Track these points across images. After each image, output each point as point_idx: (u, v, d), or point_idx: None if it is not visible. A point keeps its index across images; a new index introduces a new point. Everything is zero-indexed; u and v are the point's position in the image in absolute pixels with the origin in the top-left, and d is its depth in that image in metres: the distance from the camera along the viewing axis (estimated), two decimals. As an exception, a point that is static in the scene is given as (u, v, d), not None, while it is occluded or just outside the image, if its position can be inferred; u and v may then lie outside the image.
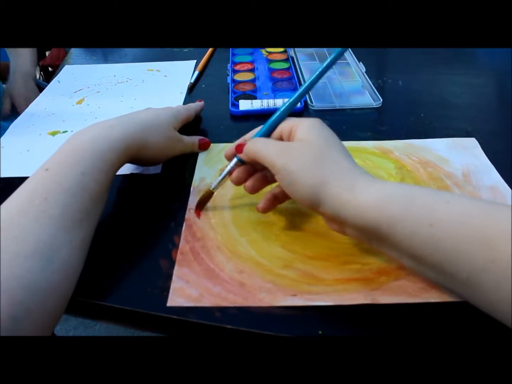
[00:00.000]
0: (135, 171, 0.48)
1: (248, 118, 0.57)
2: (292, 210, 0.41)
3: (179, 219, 0.41)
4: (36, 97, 0.63)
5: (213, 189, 0.41)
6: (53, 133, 0.56)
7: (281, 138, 0.38)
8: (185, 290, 0.34)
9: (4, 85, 0.96)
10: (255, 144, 0.37)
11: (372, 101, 0.59)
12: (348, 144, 0.50)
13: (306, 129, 0.36)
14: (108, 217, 0.41)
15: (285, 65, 0.70)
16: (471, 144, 0.50)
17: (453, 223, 0.28)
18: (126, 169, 0.47)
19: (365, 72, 0.66)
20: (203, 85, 0.67)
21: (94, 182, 0.35)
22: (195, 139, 0.49)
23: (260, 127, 0.39)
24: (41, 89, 0.84)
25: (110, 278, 0.36)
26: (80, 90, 0.67)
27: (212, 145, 0.51)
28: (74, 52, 0.83)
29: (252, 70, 0.69)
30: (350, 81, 0.65)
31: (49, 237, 0.31)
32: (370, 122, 0.56)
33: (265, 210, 0.39)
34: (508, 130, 0.52)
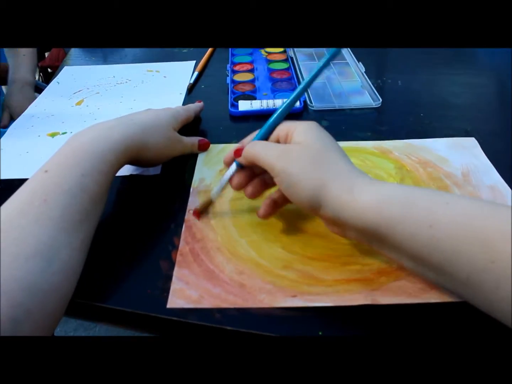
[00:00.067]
0: (134, 172, 0.48)
1: (247, 119, 0.57)
2: (292, 211, 0.41)
3: (179, 220, 0.41)
4: None
5: (214, 198, 0.41)
6: (53, 135, 0.56)
7: (277, 142, 0.38)
8: (185, 292, 0.34)
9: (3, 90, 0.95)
10: (254, 147, 0.37)
11: (372, 101, 0.59)
12: (347, 144, 0.50)
13: (303, 132, 0.36)
14: (108, 219, 0.41)
15: (284, 66, 0.70)
16: (471, 144, 0.50)
17: (453, 224, 0.28)
18: (126, 170, 0.47)
19: (365, 72, 0.66)
20: (203, 86, 0.67)
21: (94, 184, 0.35)
22: (194, 140, 0.49)
23: (258, 131, 0.39)
24: (40, 90, 0.84)
25: (110, 279, 0.36)
26: (79, 91, 0.67)
27: (211, 145, 0.51)
28: (73, 53, 0.83)
29: (251, 71, 0.69)
30: (349, 81, 0.65)
31: (49, 238, 0.31)
32: (370, 122, 0.56)
33: (266, 216, 0.39)
34: (508, 130, 0.52)
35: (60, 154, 0.37)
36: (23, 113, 0.62)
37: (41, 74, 1.81)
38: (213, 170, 0.47)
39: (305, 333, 0.31)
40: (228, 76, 0.67)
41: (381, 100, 0.59)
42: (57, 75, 0.73)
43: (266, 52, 0.76)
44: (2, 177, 0.48)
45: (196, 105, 0.54)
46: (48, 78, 1.75)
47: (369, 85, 0.63)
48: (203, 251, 0.38)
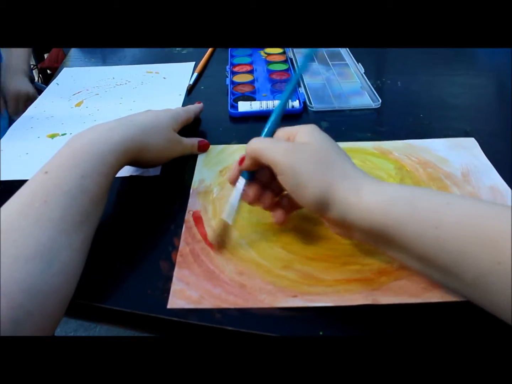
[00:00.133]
0: (134, 173, 0.48)
1: (247, 120, 0.57)
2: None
3: (179, 221, 0.41)
4: (32, 94, 0.62)
5: (231, 221, 0.37)
6: (52, 136, 0.56)
7: None
8: (185, 292, 0.34)
9: None
10: (258, 142, 0.36)
11: (371, 102, 0.59)
12: (347, 145, 0.50)
13: (307, 134, 0.36)
14: (108, 219, 0.41)
15: (284, 67, 0.70)
16: (470, 144, 0.50)
17: (458, 225, 0.28)
18: (126, 171, 0.47)
19: (364, 73, 0.66)
20: (202, 87, 0.67)
21: (94, 185, 0.35)
22: (194, 141, 0.49)
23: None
24: (39, 91, 0.84)
25: (110, 280, 0.36)
26: (79, 92, 0.67)
27: (211, 146, 0.51)
28: (72, 54, 0.83)
29: (251, 72, 0.69)
30: (349, 82, 0.65)
31: (49, 240, 0.31)
32: (369, 123, 0.56)
33: (282, 223, 0.38)
34: (508, 130, 0.52)
35: (60, 156, 0.36)
36: (23, 114, 0.62)
37: (40, 75, 1.81)
38: (213, 171, 0.47)
39: (306, 333, 0.31)
40: (227, 77, 0.67)
41: (380, 101, 0.59)
42: (56, 76, 0.73)
43: (266, 53, 0.76)
44: (2, 178, 0.48)
45: (196, 106, 0.54)
46: (47, 79, 1.75)
47: (369, 86, 0.63)
48: (203, 252, 0.38)
